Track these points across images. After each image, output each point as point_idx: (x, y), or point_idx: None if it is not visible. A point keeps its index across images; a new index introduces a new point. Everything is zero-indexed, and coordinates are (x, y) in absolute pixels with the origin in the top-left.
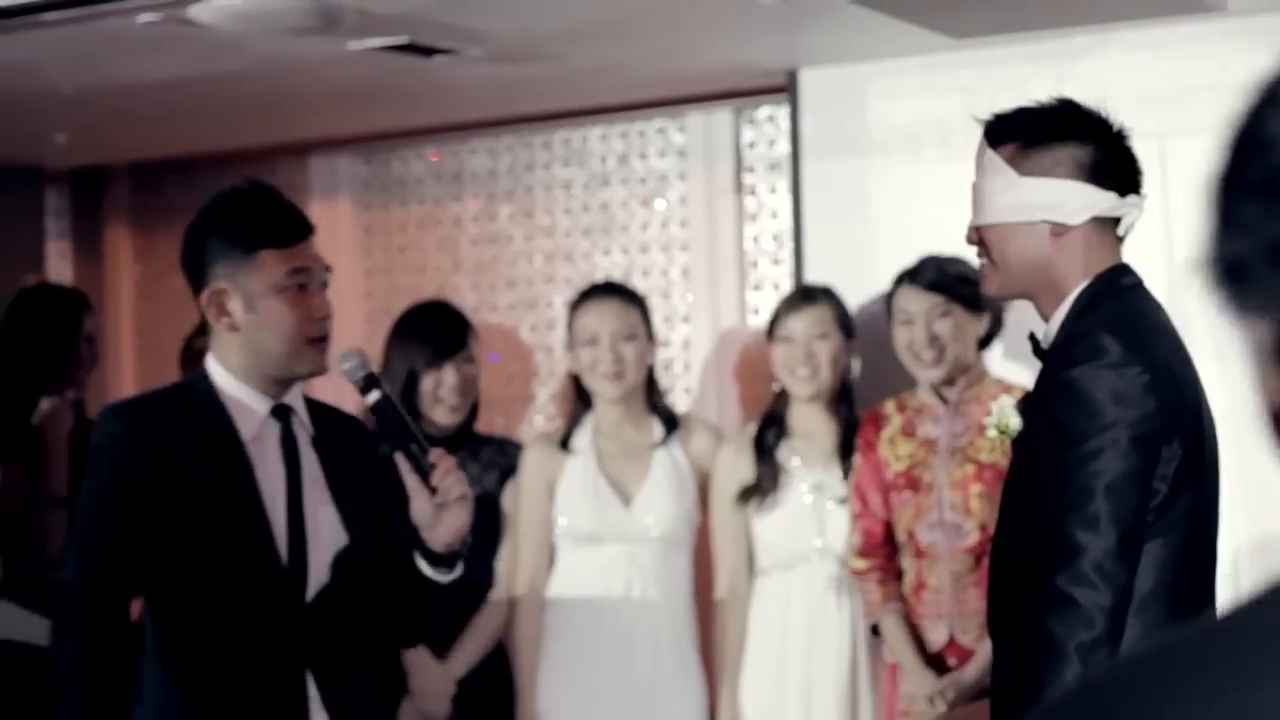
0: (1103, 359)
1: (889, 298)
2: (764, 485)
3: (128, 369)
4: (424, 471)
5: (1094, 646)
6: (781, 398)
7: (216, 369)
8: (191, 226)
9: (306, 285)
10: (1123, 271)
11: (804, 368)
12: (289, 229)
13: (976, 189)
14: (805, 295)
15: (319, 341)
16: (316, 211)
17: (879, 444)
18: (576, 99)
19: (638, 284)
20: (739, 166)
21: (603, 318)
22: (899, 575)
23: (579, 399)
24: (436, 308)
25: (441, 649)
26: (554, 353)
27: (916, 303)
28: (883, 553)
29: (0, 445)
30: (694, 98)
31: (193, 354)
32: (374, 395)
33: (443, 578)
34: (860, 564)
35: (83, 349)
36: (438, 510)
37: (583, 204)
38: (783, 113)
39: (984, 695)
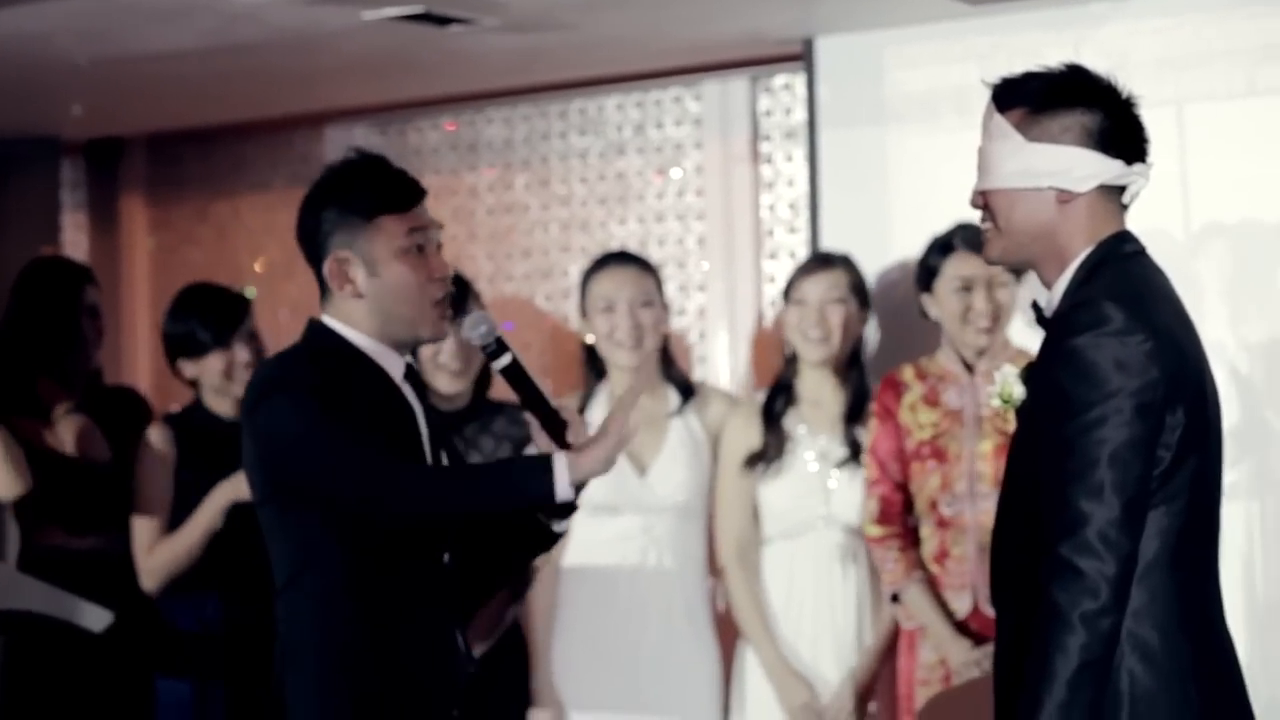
0: (1106, 327)
1: (929, 264)
2: (769, 452)
3: (143, 340)
4: (557, 432)
5: (1098, 615)
6: (790, 364)
7: (345, 329)
8: (307, 200)
9: (425, 246)
10: (1125, 238)
11: (816, 330)
12: (405, 193)
13: (983, 153)
14: (823, 260)
15: (441, 304)
16: None
17: (899, 411)
18: (593, 68)
19: (653, 253)
20: (755, 135)
21: (620, 284)
22: (917, 543)
23: (592, 368)
24: None
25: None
26: (569, 322)
27: (976, 268)
28: (901, 520)
29: (12, 418)
30: (710, 66)
31: None
32: (505, 359)
33: (560, 528)
34: (877, 531)
35: (85, 322)
36: None
37: (599, 173)
38: (799, 81)
39: None
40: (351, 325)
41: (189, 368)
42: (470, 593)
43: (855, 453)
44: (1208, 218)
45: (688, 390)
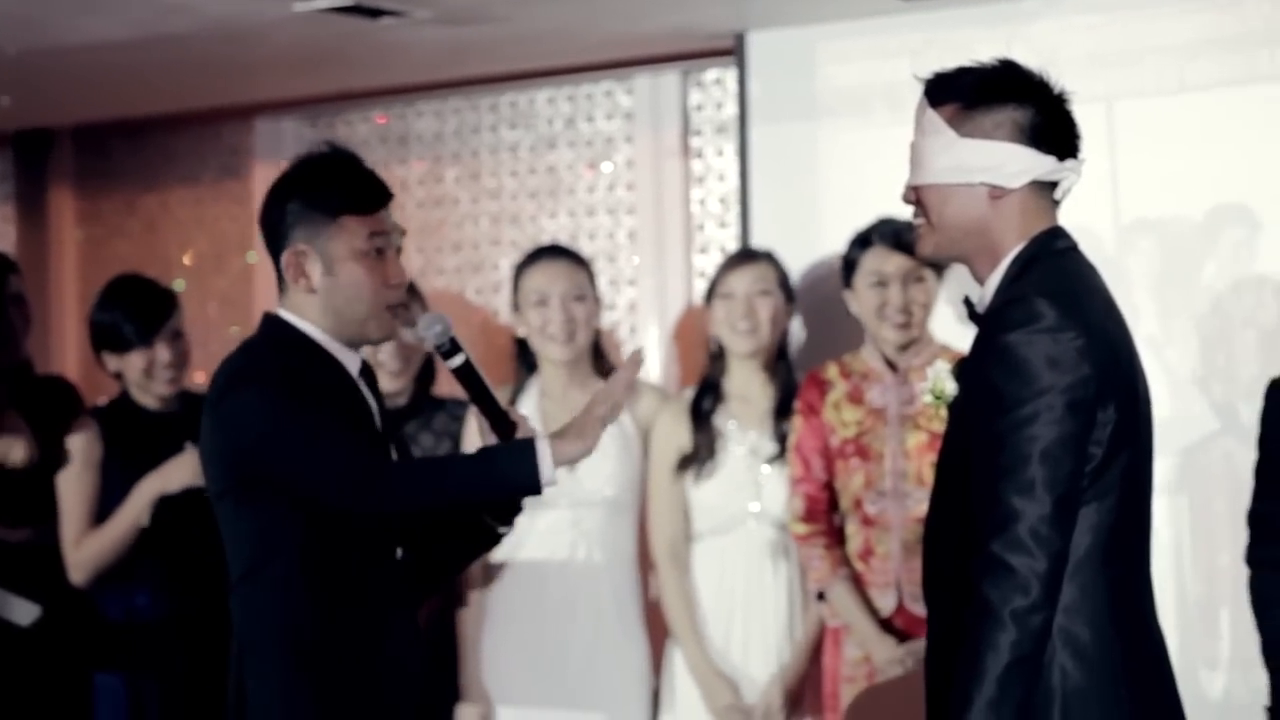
0: (1038, 324)
1: (849, 259)
2: (701, 453)
3: (71, 333)
4: (505, 432)
5: (1029, 612)
6: (718, 360)
7: (302, 323)
8: (274, 190)
9: (384, 250)
10: (1057, 234)
11: (744, 322)
12: (371, 195)
13: (915, 148)
14: (748, 255)
15: (393, 309)
16: (261, 175)
17: (823, 409)
18: (524, 61)
19: (584, 247)
20: (686, 129)
21: (552, 279)
22: (842, 541)
23: (523, 362)
24: None
25: None
26: (500, 315)
27: (892, 263)
28: (826, 518)
29: None
30: (642, 60)
31: None
32: (458, 359)
33: (504, 529)
34: (802, 529)
35: (11, 312)
36: None
37: (529, 167)
38: (730, 75)
39: None
40: (306, 320)
41: (112, 361)
42: (415, 590)
43: (786, 448)
44: (1137, 213)
45: None
